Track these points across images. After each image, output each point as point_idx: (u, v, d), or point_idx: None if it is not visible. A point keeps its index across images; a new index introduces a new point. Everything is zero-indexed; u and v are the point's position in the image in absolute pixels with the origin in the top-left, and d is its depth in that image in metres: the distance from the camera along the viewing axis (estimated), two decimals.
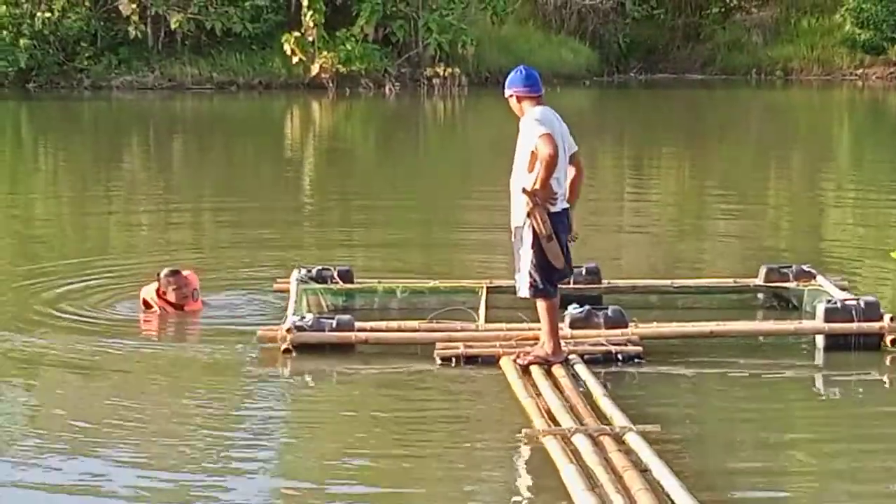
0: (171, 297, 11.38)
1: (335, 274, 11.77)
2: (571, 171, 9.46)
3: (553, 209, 9.26)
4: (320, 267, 11.89)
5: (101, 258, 14.79)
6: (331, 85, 43.10)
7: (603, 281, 11.79)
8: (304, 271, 11.74)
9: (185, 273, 11.57)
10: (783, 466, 7.92)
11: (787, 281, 11.76)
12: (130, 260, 14.70)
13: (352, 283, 11.79)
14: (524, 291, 9.45)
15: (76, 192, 22.18)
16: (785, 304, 11.74)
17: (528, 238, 9.29)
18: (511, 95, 9.45)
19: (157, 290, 11.41)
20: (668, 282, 12.08)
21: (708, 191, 21.99)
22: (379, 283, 11.85)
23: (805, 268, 11.87)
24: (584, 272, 11.56)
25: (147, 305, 11.48)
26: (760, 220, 18.51)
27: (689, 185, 23.20)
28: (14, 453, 7.88)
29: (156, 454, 7.92)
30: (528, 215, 9.22)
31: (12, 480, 7.40)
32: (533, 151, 9.15)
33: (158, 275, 11.47)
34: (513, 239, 9.49)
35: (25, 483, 7.39)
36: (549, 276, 9.36)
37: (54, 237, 17.16)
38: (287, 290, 11.45)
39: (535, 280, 9.35)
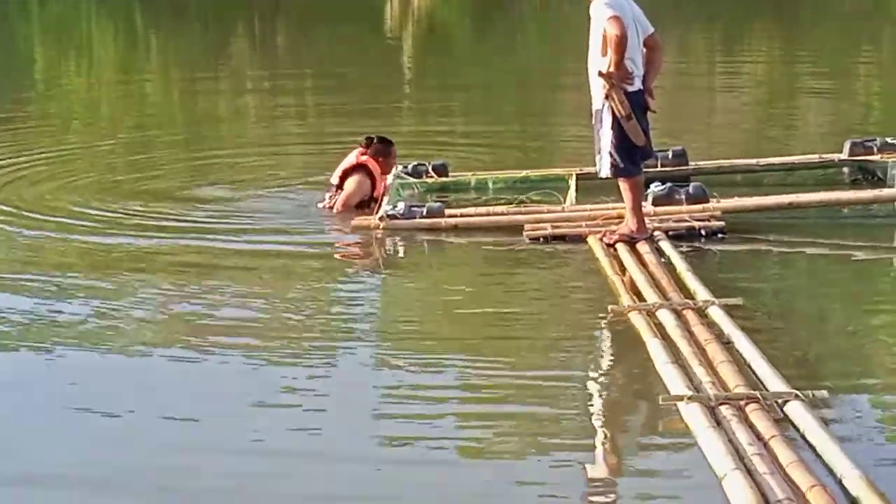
0: (386, 164, 11.36)
1: (430, 168, 12.02)
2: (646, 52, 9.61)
3: (630, 89, 9.42)
4: (416, 162, 12.12)
5: (207, 150, 15.29)
6: None
7: (690, 163, 11.96)
8: (400, 167, 11.95)
9: None
10: (864, 337, 8.06)
11: (872, 154, 11.80)
12: (233, 150, 15.19)
13: (446, 176, 12.03)
14: (605, 171, 9.65)
15: (185, 75, 22.68)
16: (871, 177, 11.79)
17: (607, 119, 9.47)
18: None
19: (372, 157, 11.31)
20: (753, 161, 12.19)
21: (796, 70, 21.90)
22: (472, 174, 12.10)
23: (889, 140, 11.88)
24: (670, 155, 11.72)
25: (347, 174, 11.27)
26: (848, 95, 18.50)
27: (777, 62, 23.10)
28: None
29: (268, 328, 8.31)
30: (606, 97, 9.40)
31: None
32: (604, 35, 9.31)
33: (370, 140, 11.44)
34: (593, 122, 9.68)
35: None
36: (630, 155, 9.55)
37: (165, 120, 17.71)
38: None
39: (615, 160, 9.53)
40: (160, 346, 7.92)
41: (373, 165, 11.28)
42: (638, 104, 9.47)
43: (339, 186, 11.27)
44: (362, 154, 11.36)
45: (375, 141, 11.47)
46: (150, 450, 6.41)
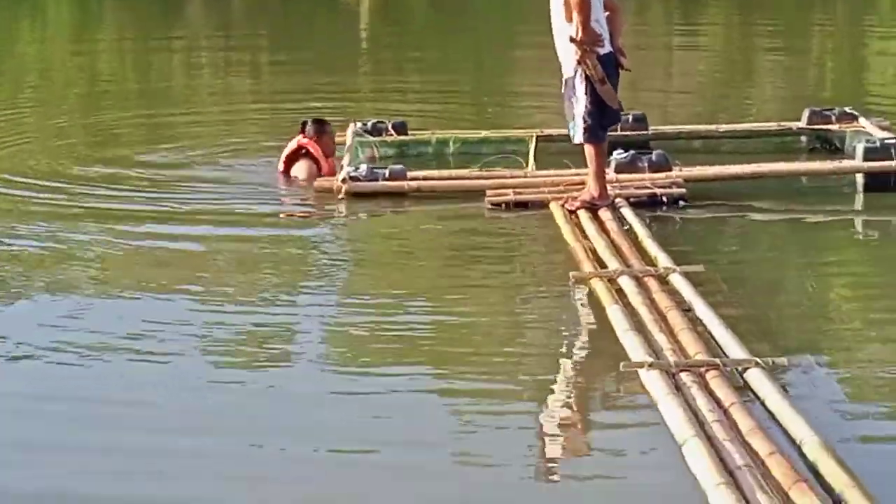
0: (325, 146, 11.22)
1: (389, 126, 12.03)
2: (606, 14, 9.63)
3: (602, 51, 9.44)
4: (375, 120, 12.15)
5: (161, 113, 15.18)
6: None
7: (649, 127, 12.02)
8: (359, 125, 11.99)
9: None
10: (824, 305, 8.14)
11: (830, 123, 11.90)
12: (188, 114, 15.10)
13: (406, 135, 12.05)
14: (579, 137, 9.63)
15: (139, 48, 22.51)
16: (828, 146, 11.89)
17: (580, 86, 9.47)
18: None
19: (309, 139, 11.19)
20: (713, 127, 12.30)
21: (752, 37, 21.96)
22: (432, 133, 12.12)
23: (847, 110, 12.00)
24: (630, 119, 11.76)
25: (292, 158, 11.21)
26: (805, 64, 18.57)
27: (735, 31, 23.15)
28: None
29: (229, 293, 8.28)
30: (579, 63, 9.42)
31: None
32: (566, 1, 9.33)
33: (304, 124, 11.33)
34: (563, 89, 9.69)
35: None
36: (601, 120, 9.58)
37: (119, 90, 17.54)
38: (343, 143, 11.74)
39: (588, 125, 9.54)
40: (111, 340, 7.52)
41: (313, 147, 11.19)
42: (610, 66, 9.50)
43: (285, 172, 11.23)
44: (303, 138, 11.29)
45: (309, 123, 11.40)
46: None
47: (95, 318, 7.89)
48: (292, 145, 11.26)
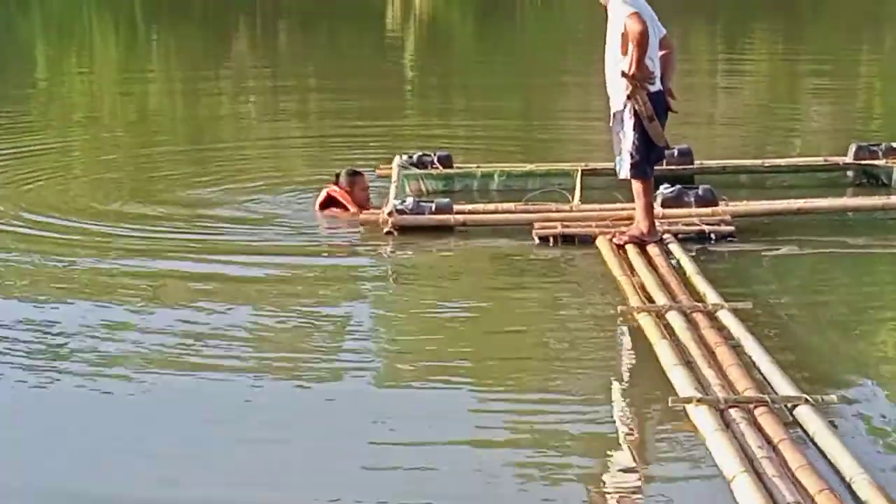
0: (357, 196, 11.17)
1: (435, 159, 12.12)
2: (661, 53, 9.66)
3: (652, 88, 9.47)
4: (421, 153, 12.24)
5: (209, 146, 15.27)
6: None
7: (695, 161, 12.04)
8: (405, 157, 12.10)
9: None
10: (873, 340, 8.12)
11: (877, 158, 11.93)
12: (234, 149, 15.20)
13: (451, 167, 12.14)
14: (625, 172, 9.66)
15: (187, 73, 22.70)
16: (874, 181, 11.91)
17: (629, 121, 9.51)
18: None
19: (340, 188, 11.21)
20: (758, 161, 12.32)
21: (798, 69, 21.94)
22: (477, 167, 12.19)
23: (894, 145, 12.01)
24: (676, 153, 11.79)
25: (325, 206, 11.19)
26: (851, 98, 18.53)
27: (781, 63, 23.13)
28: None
29: (273, 336, 8.19)
30: (629, 98, 9.45)
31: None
32: (624, 33, 9.34)
33: (338, 175, 11.31)
34: (611, 123, 9.72)
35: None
36: (648, 156, 9.60)
37: (165, 120, 17.73)
38: (389, 175, 11.83)
39: (635, 161, 9.56)
40: (157, 372, 7.54)
41: (344, 197, 11.16)
42: (659, 104, 9.53)
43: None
44: (336, 188, 11.26)
45: (342, 173, 11.37)
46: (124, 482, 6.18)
47: (134, 371, 7.65)
48: (322, 195, 11.27)
